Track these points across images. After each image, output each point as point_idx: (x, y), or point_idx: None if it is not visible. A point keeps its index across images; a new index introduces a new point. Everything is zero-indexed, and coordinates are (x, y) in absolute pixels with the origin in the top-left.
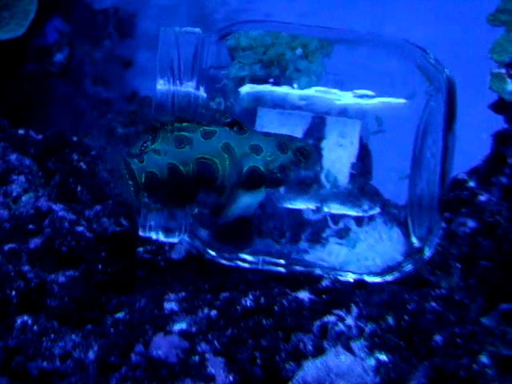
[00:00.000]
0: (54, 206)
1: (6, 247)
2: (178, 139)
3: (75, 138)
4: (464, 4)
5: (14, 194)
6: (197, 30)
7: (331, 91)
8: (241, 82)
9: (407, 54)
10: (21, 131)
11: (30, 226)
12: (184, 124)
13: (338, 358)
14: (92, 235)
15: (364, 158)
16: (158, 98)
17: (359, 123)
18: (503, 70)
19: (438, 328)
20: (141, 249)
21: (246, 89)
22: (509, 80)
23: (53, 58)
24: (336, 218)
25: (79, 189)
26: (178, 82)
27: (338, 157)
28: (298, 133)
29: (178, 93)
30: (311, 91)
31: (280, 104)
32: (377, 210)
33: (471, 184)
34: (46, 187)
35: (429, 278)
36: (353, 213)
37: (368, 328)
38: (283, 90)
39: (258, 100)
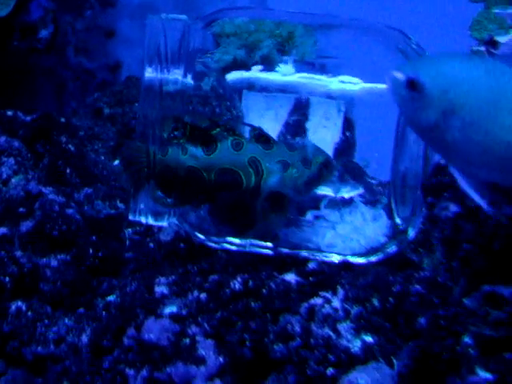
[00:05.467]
0: (43, 189)
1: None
2: (207, 144)
3: (63, 120)
4: None
5: (4, 176)
6: (183, 16)
7: (315, 77)
8: (226, 67)
9: (390, 39)
10: (9, 112)
11: (21, 209)
12: (217, 130)
13: None
14: (82, 218)
15: (348, 139)
16: (145, 86)
17: (343, 104)
18: (483, 48)
19: (421, 310)
20: (129, 230)
21: (232, 75)
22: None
23: (38, 35)
24: (320, 199)
25: (68, 171)
26: (165, 69)
27: (321, 138)
28: (283, 114)
29: (165, 80)
30: (295, 77)
31: (265, 87)
32: (360, 191)
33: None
34: (35, 169)
35: (411, 257)
36: (336, 194)
37: (354, 310)
38: (268, 76)
39: (244, 84)
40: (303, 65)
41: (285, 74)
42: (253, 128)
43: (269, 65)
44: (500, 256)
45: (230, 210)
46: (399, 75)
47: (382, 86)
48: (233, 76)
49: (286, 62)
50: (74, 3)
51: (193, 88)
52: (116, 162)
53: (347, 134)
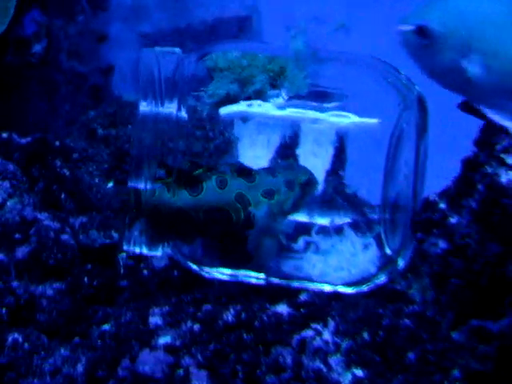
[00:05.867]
0: (39, 215)
1: None
2: (192, 186)
3: (58, 143)
4: None
5: (0, 199)
6: (177, 49)
7: (307, 113)
8: (220, 101)
9: (379, 73)
10: (4, 135)
11: (17, 236)
12: (199, 170)
13: None
14: (77, 246)
15: (338, 167)
16: (140, 120)
17: (335, 133)
18: None
19: (410, 345)
20: (123, 254)
21: (225, 110)
22: None
23: (31, 49)
24: (311, 226)
25: (63, 196)
26: (159, 103)
27: (312, 164)
28: (275, 140)
29: (160, 114)
30: (287, 111)
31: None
32: (348, 220)
33: (442, 206)
34: (30, 193)
35: (400, 286)
36: (325, 222)
37: (344, 343)
38: (260, 110)
39: (237, 118)
40: (295, 99)
41: (277, 107)
42: (231, 164)
43: (261, 99)
44: (488, 292)
45: (221, 243)
46: (407, 27)
47: (372, 121)
48: (226, 110)
49: (277, 96)
50: (65, 8)
51: (186, 121)
52: (110, 185)
53: (338, 162)
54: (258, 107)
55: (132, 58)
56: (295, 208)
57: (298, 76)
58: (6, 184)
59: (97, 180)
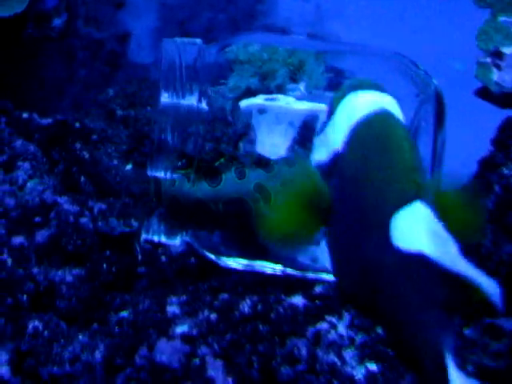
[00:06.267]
0: (58, 199)
1: (15, 240)
2: (211, 177)
3: (78, 125)
4: None
5: (20, 181)
6: (198, 40)
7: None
8: (240, 94)
9: (399, 66)
10: (25, 115)
11: (37, 219)
12: (221, 160)
13: None
14: (96, 231)
15: None
16: (160, 111)
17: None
18: (489, 60)
19: None
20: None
21: (245, 103)
22: (495, 70)
23: (51, 24)
24: None
25: (82, 179)
26: (180, 94)
27: None
28: (292, 129)
29: (180, 106)
30: (305, 105)
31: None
32: None
33: None
34: (50, 174)
35: None
36: None
37: (359, 337)
38: (280, 103)
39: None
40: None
41: (297, 100)
42: (250, 155)
43: (281, 93)
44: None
45: (240, 234)
46: None
47: None
48: (246, 103)
49: (296, 90)
50: None
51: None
52: (128, 167)
53: None
54: (278, 101)
55: (149, 26)
56: None
57: (317, 70)
58: (27, 165)
59: (115, 162)
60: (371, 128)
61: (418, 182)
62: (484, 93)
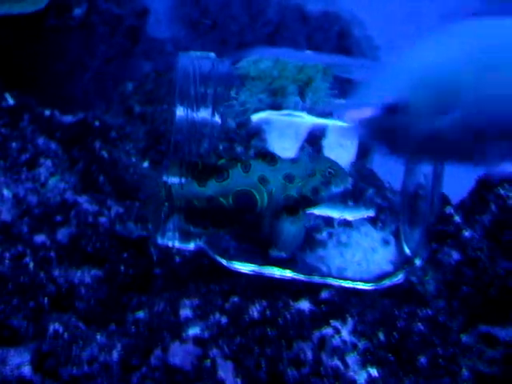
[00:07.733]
0: (78, 198)
1: (37, 239)
2: (218, 174)
3: (97, 123)
4: None
5: (42, 178)
6: (211, 54)
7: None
8: (250, 109)
9: None
10: (47, 112)
11: (58, 218)
12: (222, 161)
13: None
14: (114, 235)
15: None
16: (176, 125)
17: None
18: None
19: (422, 349)
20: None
21: (256, 117)
22: None
23: (72, 13)
24: (333, 219)
25: (101, 179)
26: (195, 108)
27: (338, 155)
28: (302, 132)
29: (195, 120)
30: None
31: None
32: (371, 213)
33: (457, 219)
34: (70, 172)
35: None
36: (349, 215)
37: (361, 343)
38: (288, 118)
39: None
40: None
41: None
42: (256, 148)
43: (290, 108)
44: (496, 302)
45: (250, 233)
46: (368, 110)
47: None
48: (257, 117)
49: (303, 104)
50: None
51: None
52: (145, 164)
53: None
54: (287, 116)
55: (167, 2)
56: (316, 194)
57: (321, 87)
58: (49, 163)
59: (133, 159)
60: None
61: None
62: None
